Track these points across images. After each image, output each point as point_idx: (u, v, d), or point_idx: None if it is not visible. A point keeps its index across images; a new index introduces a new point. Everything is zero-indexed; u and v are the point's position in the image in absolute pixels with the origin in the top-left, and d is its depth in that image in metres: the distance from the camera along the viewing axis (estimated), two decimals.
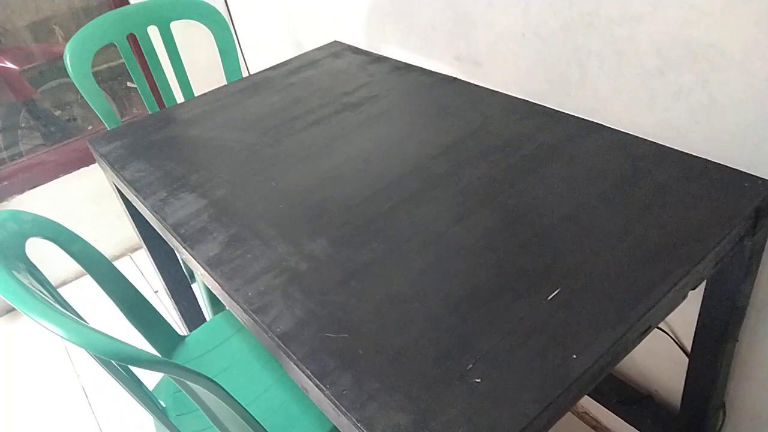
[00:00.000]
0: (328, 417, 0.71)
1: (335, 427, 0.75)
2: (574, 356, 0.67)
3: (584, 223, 0.86)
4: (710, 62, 0.92)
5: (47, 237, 1.03)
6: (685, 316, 1.13)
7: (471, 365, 0.68)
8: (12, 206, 2.09)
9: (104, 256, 1.12)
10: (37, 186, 2.14)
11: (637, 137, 1.02)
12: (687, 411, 1.17)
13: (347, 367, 0.71)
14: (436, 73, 1.37)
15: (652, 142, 1.00)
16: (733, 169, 0.91)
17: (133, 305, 1.18)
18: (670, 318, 1.17)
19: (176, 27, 1.70)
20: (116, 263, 1.09)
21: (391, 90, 1.33)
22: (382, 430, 0.63)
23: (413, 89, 1.31)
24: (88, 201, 2.26)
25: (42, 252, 1.13)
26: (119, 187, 1.26)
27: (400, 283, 0.82)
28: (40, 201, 2.15)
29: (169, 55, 1.72)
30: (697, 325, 1.04)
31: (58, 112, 2.78)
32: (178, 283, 1.57)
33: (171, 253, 1.51)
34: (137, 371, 0.95)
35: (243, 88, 1.48)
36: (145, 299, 1.20)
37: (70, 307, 0.98)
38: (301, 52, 1.65)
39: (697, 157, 0.95)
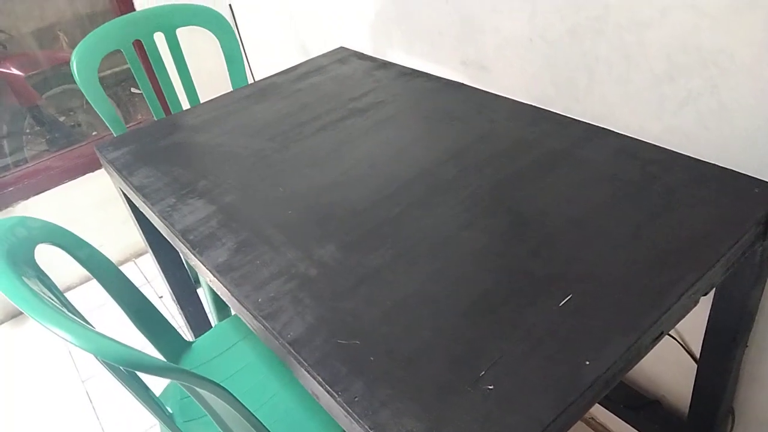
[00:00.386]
0: (339, 424, 0.71)
1: None
2: (587, 362, 0.67)
3: (594, 228, 0.86)
4: (719, 67, 0.92)
5: (56, 243, 1.03)
6: (693, 321, 1.12)
7: (483, 372, 0.68)
8: (17, 212, 2.09)
9: (111, 262, 1.12)
10: (43, 192, 2.14)
11: (646, 142, 1.02)
12: (695, 416, 1.16)
13: (359, 373, 0.71)
14: (443, 78, 1.37)
15: (660, 147, 1.00)
16: (743, 174, 0.91)
17: (140, 311, 1.18)
18: (678, 323, 1.16)
19: (181, 33, 1.71)
20: (121, 269, 1.09)
21: (397, 96, 1.33)
22: None
23: (420, 95, 1.32)
24: (93, 207, 2.27)
25: (47, 258, 1.13)
26: (127, 193, 1.26)
27: (410, 289, 0.82)
28: (45, 207, 2.15)
29: (175, 62, 1.72)
30: (706, 330, 1.03)
31: (62, 118, 2.79)
32: (184, 289, 1.57)
33: (177, 259, 1.51)
34: (144, 377, 0.95)
35: (250, 94, 1.48)
36: (152, 305, 1.19)
37: (78, 313, 0.98)
38: (306, 58, 1.66)
39: (706, 162, 0.95)
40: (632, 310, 0.72)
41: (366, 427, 0.64)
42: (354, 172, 1.09)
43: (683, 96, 0.98)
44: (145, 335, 1.19)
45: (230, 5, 2.28)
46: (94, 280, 1.10)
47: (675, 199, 0.89)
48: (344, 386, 0.69)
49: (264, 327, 0.80)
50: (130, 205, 1.34)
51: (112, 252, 2.35)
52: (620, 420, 1.34)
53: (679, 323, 1.15)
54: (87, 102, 1.60)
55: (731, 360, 1.02)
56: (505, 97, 1.24)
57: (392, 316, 0.78)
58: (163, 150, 1.28)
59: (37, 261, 0.96)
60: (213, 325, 1.65)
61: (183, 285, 1.57)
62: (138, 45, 1.66)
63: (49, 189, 2.16)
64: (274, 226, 0.98)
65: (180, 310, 1.60)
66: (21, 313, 2.24)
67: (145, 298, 1.18)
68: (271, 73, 1.59)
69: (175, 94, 1.76)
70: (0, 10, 2.43)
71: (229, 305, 0.91)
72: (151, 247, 1.45)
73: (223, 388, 0.82)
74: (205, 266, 0.93)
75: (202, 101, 1.73)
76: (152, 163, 1.23)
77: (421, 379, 0.69)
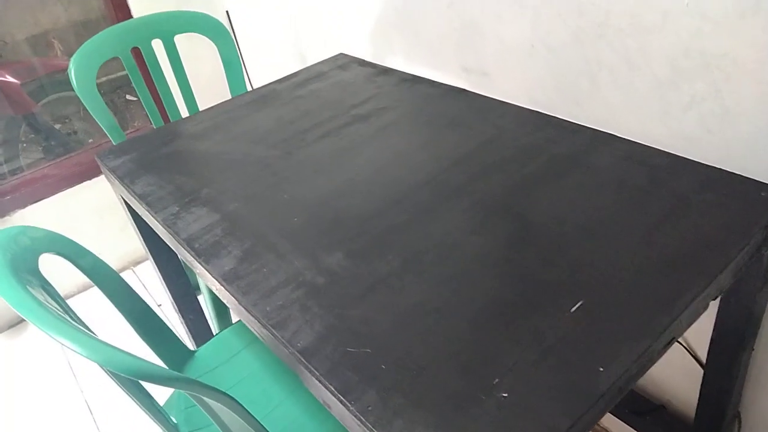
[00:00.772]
0: None
1: None
2: (601, 369, 0.67)
3: (602, 234, 0.86)
4: (723, 72, 0.92)
5: (59, 252, 1.02)
6: (698, 325, 1.12)
7: (497, 379, 0.67)
8: (15, 221, 2.08)
9: (114, 271, 1.11)
10: (40, 200, 2.13)
11: (651, 147, 1.02)
12: (701, 421, 1.16)
13: (371, 382, 0.70)
14: (444, 84, 1.37)
15: (666, 152, 1.00)
16: (749, 178, 0.91)
17: (143, 320, 1.17)
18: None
19: (177, 39, 1.70)
20: None
21: (399, 102, 1.33)
22: None
23: (422, 101, 1.31)
24: (90, 215, 2.25)
25: (45, 266, 1.12)
26: (129, 202, 1.25)
27: (419, 296, 0.81)
28: (42, 215, 2.14)
29: (173, 69, 1.72)
30: (712, 335, 1.03)
31: (58, 126, 2.77)
32: (185, 296, 1.56)
33: (177, 266, 1.50)
34: (148, 386, 0.94)
35: (250, 101, 1.47)
36: (155, 314, 1.19)
37: (83, 322, 0.97)
38: (304, 65, 1.66)
39: (712, 166, 0.95)
40: (644, 316, 0.72)
41: None
42: (359, 178, 1.08)
43: (687, 100, 0.98)
44: (148, 344, 1.18)
45: (227, 12, 2.28)
46: (92, 288, 1.09)
47: (683, 203, 0.89)
48: (357, 395, 0.69)
49: (273, 336, 0.80)
50: (131, 213, 1.34)
51: (109, 260, 2.32)
52: (625, 425, 1.34)
53: None
54: (83, 109, 1.60)
55: (738, 364, 1.02)
56: (509, 103, 1.24)
57: (402, 324, 0.77)
58: (165, 158, 1.27)
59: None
60: (214, 332, 1.64)
61: (184, 292, 1.56)
62: (136, 52, 1.65)
63: (46, 197, 2.14)
64: (279, 234, 0.98)
65: (181, 317, 1.59)
66: (18, 322, 2.22)
67: (148, 306, 1.17)
68: (269, 79, 1.58)
69: (174, 101, 1.76)
70: None
71: (237, 314, 0.90)
72: (152, 255, 1.44)
73: (234, 399, 0.81)
74: (211, 275, 0.92)
75: (200, 108, 1.73)
76: (154, 171, 1.23)
77: (434, 388, 0.68)
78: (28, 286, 0.83)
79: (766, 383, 1.08)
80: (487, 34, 1.26)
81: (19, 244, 0.95)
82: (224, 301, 0.93)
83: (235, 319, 1.49)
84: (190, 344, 1.67)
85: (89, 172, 2.21)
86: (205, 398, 0.81)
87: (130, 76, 1.66)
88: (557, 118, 1.16)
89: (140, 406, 0.94)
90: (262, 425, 0.87)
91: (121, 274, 2.32)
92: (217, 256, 0.95)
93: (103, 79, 2.88)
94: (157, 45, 1.67)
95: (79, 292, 2.27)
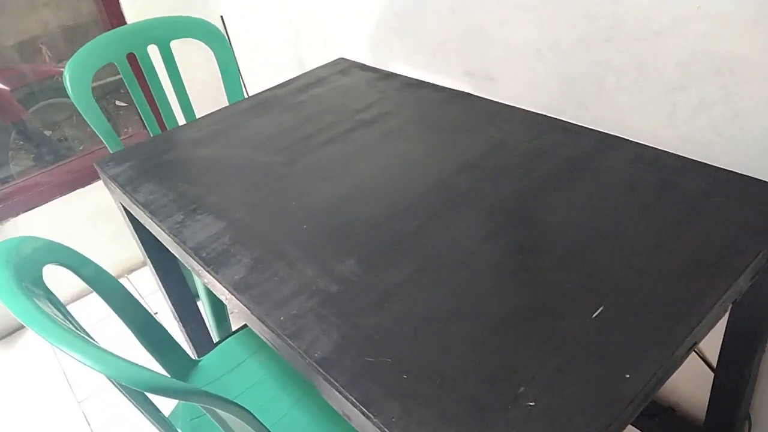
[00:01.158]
0: None
1: None
2: (627, 375, 0.66)
3: (618, 238, 0.85)
4: (733, 75, 0.92)
5: (62, 263, 1.00)
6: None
7: (522, 388, 0.66)
8: (7, 229, 2.04)
9: (116, 280, 1.09)
10: (33, 208, 2.09)
11: (661, 150, 1.02)
12: (711, 423, 1.16)
13: (393, 393, 0.69)
14: (448, 88, 1.37)
15: (677, 154, 1.00)
16: (761, 180, 0.91)
17: (146, 329, 1.14)
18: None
19: (172, 45, 1.68)
20: None
21: (404, 106, 1.32)
22: None
23: (427, 105, 1.31)
24: (84, 223, 2.22)
25: (44, 274, 1.10)
26: (130, 210, 1.23)
27: (435, 304, 0.80)
28: (35, 223, 2.10)
29: (169, 75, 1.70)
30: (724, 337, 1.03)
31: (49, 133, 2.73)
32: (185, 304, 1.54)
33: (178, 274, 1.47)
34: (153, 397, 0.92)
35: (250, 107, 1.46)
36: (158, 323, 1.17)
37: (85, 331, 0.95)
38: (302, 70, 1.64)
39: (723, 169, 0.95)
40: (667, 321, 0.71)
41: None
42: (367, 184, 1.07)
43: (696, 104, 0.98)
44: (152, 354, 1.16)
45: (222, 16, 2.26)
46: (89, 296, 1.07)
47: (696, 206, 0.88)
48: (379, 407, 0.67)
49: (289, 346, 0.78)
50: (131, 221, 1.31)
51: (105, 268, 2.30)
52: (634, 428, 1.33)
53: None
54: (74, 116, 1.57)
55: (749, 366, 1.02)
56: (515, 107, 1.24)
57: (421, 333, 0.76)
58: (166, 165, 1.25)
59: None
60: (214, 340, 1.62)
61: (184, 301, 1.53)
62: (131, 58, 1.63)
63: (38, 205, 2.11)
64: (288, 242, 0.96)
65: (181, 325, 1.57)
66: (12, 332, 2.18)
67: (151, 315, 1.15)
68: (265, 85, 1.57)
69: (170, 107, 1.74)
70: None
71: (249, 324, 0.88)
72: (151, 263, 1.42)
73: (248, 411, 0.80)
74: (221, 284, 0.90)
75: (196, 114, 1.71)
76: (156, 178, 1.21)
77: (458, 398, 0.67)
78: (34, 299, 0.81)
79: None
80: (493, 39, 1.25)
81: (21, 255, 0.93)
82: (236, 311, 0.91)
83: (235, 326, 1.47)
84: (190, 352, 1.65)
85: (83, 180, 2.18)
86: (218, 410, 0.79)
87: (125, 82, 1.64)
88: (564, 121, 1.16)
89: (147, 417, 0.92)
90: None
91: None
92: (227, 264, 0.93)
93: (94, 84, 2.84)
94: (153, 51, 1.65)
95: (73, 300, 2.23)
